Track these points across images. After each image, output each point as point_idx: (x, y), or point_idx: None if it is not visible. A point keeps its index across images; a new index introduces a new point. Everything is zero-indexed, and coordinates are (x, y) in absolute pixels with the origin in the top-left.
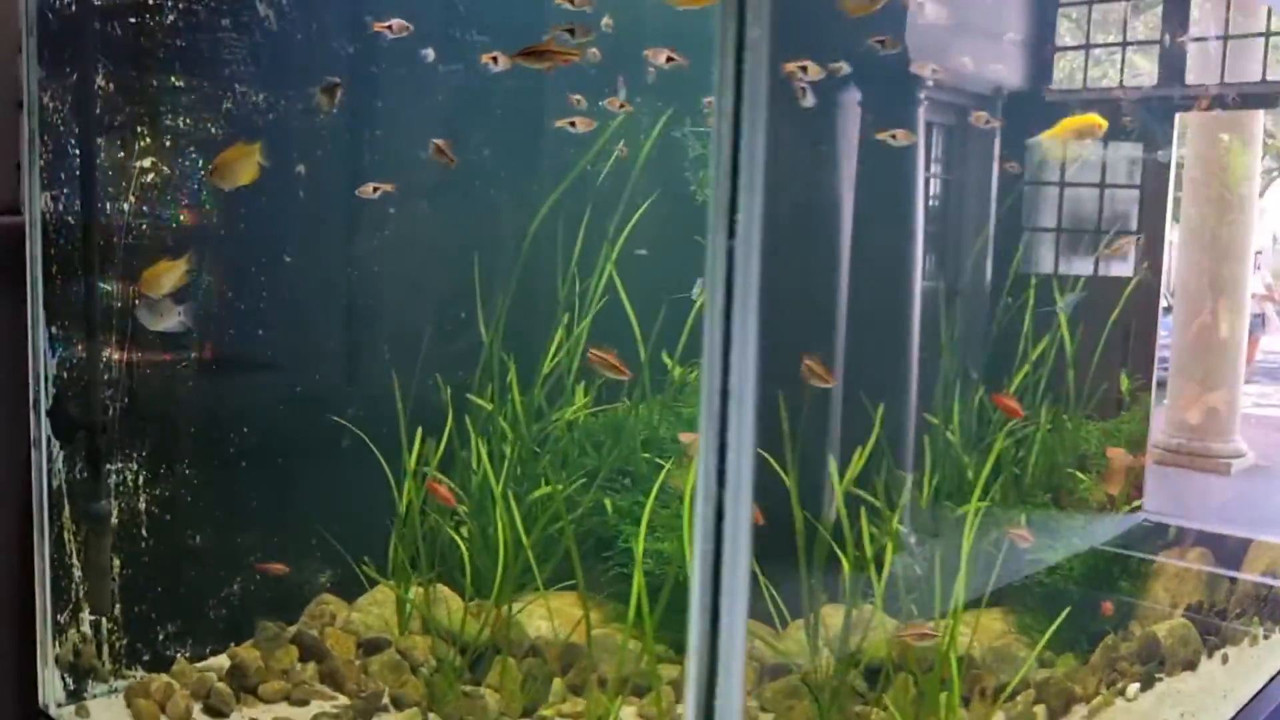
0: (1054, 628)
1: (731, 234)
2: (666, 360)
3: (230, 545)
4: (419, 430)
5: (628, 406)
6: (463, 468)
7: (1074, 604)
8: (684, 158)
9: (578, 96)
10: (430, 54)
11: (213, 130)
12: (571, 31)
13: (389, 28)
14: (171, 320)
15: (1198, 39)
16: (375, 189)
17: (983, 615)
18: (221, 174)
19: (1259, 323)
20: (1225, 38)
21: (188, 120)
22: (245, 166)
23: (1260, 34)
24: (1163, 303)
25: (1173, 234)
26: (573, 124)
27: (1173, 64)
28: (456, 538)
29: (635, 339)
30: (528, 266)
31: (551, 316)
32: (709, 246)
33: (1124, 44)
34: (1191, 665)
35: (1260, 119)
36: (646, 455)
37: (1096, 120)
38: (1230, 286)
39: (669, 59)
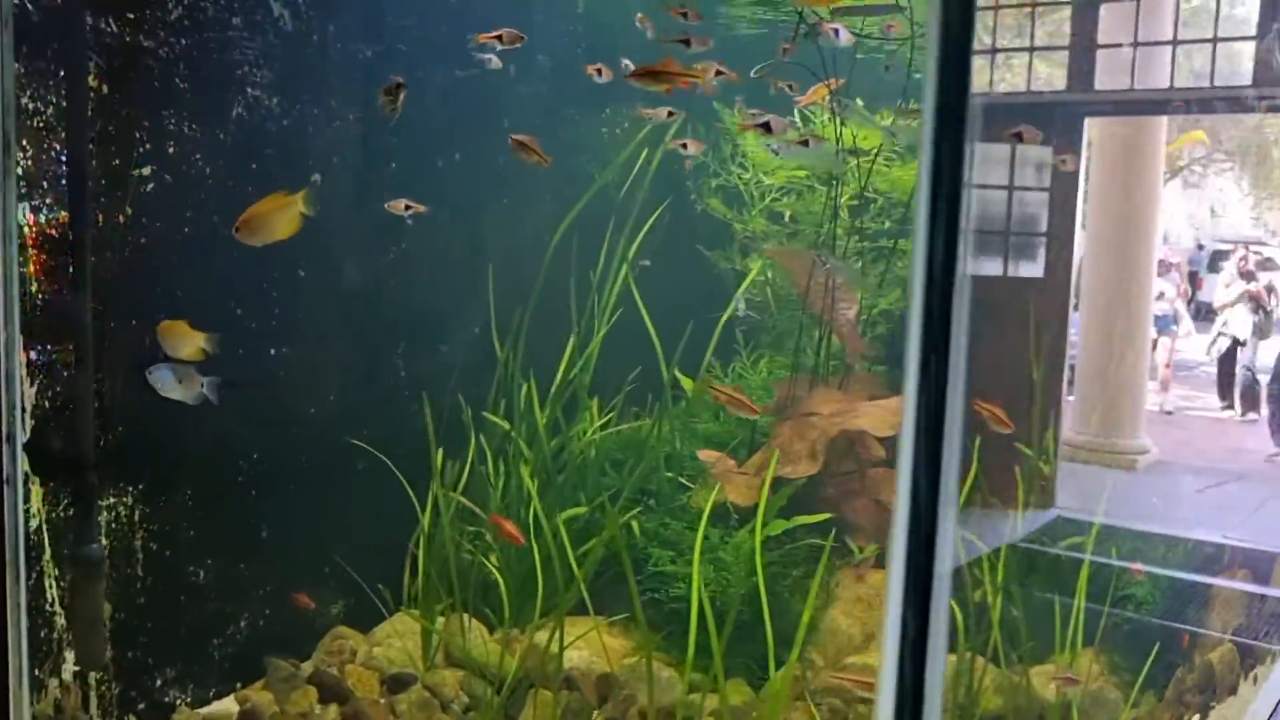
0: (1146, 669)
1: (950, 270)
2: (680, 375)
3: (235, 578)
4: (439, 451)
5: (644, 424)
6: (481, 488)
7: (1158, 639)
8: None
9: (650, 111)
10: (494, 60)
11: (220, 135)
12: (687, 43)
13: (498, 38)
14: (192, 391)
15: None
16: (407, 207)
17: (1081, 656)
18: (253, 229)
19: (1170, 321)
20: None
21: (193, 126)
22: (282, 220)
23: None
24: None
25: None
26: (684, 146)
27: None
28: (489, 565)
29: (645, 353)
30: (543, 281)
31: (565, 331)
32: (916, 278)
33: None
34: (1234, 690)
35: (1164, 125)
36: (670, 474)
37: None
38: (1134, 287)
39: (718, 73)
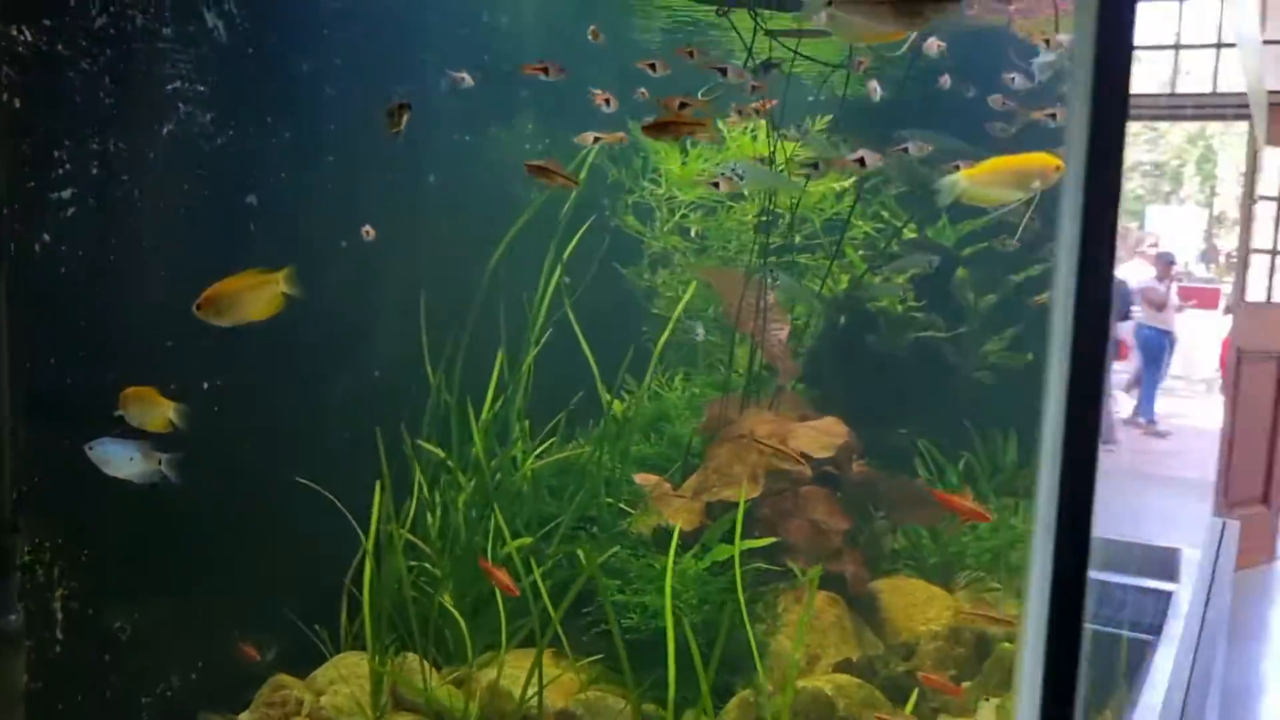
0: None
1: (1104, 318)
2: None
3: (164, 630)
4: (379, 484)
5: (580, 449)
6: (421, 520)
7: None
8: (603, 182)
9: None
10: (466, 79)
11: (150, 155)
12: (724, 71)
13: (544, 70)
14: (147, 469)
15: None
16: (369, 232)
17: None
18: (219, 308)
19: None
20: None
21: (119, 144)
22: (257, 300)
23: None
24: None
25: None
26: (716, 184)
27: None
28: (446, 604)
29: (577, 374)
30: (478, 305)
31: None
32: (1059, 325)
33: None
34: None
35: None
36: (610, 500)
37: None
38: None
39: (683, 104)
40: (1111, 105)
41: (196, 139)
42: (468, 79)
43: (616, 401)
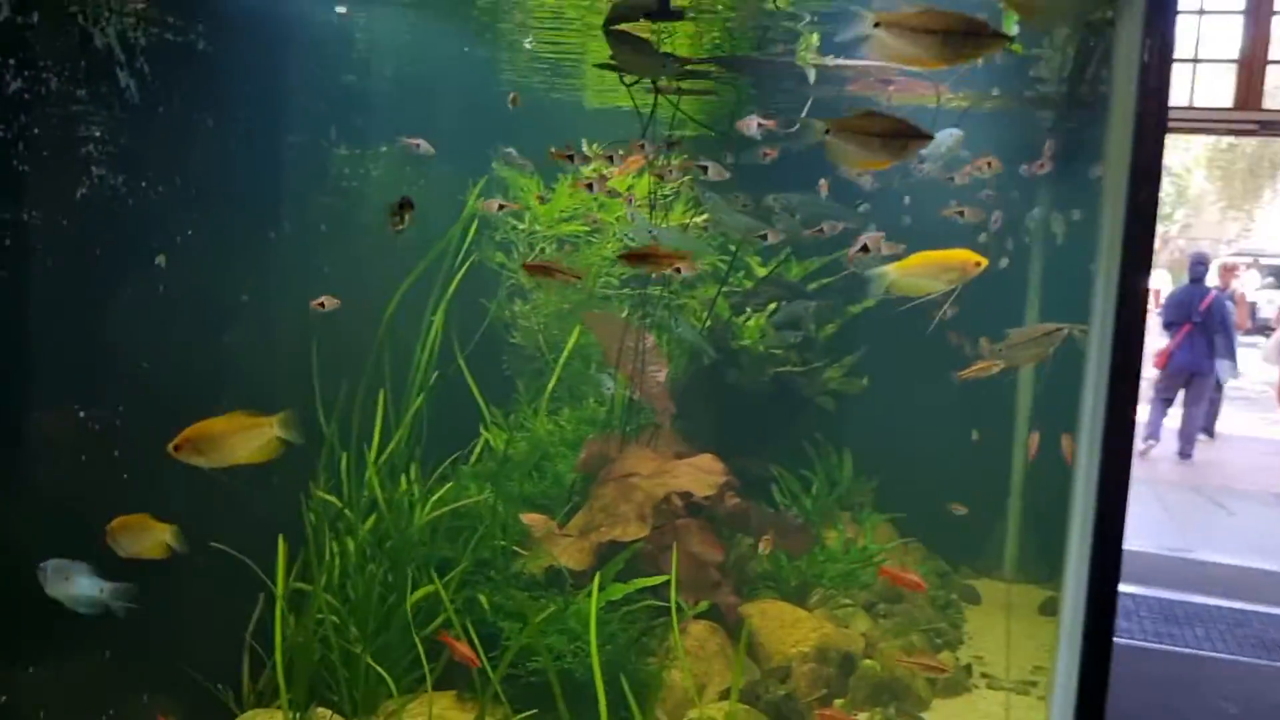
0: None
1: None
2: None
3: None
4: (280, 539)
5: (459, 486)
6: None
7: None
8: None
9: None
10: (423, 145)
11: (64, 222)
12: (705, 169)
13: (569, 157)
14: (88, 598)
15: None
16: (322, 304)
17: None
18: (200, 449)
19: None
20: None
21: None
22: (247, 444)
23: None
24: None
25: None
26: (678, 272)
27: None
28: (369, 660)
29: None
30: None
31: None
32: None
33: None
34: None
35: None
36: (503, 542)
37: None
38: None
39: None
40: (1149, 130)
41: (109, 201)
42: (424, 145)
43: (495, 437)
